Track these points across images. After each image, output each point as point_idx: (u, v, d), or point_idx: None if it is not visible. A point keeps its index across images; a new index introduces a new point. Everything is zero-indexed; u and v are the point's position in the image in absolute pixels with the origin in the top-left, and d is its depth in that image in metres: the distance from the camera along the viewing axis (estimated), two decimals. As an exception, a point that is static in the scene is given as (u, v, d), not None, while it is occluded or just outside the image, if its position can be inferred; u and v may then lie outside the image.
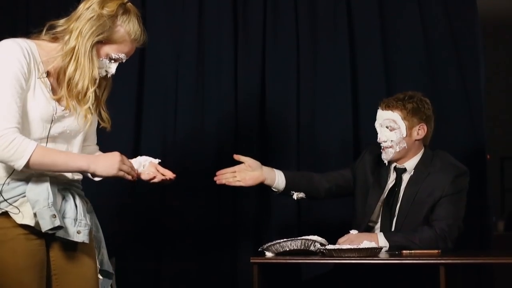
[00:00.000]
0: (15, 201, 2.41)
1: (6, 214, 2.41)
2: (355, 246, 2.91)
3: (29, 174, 2.43)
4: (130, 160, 2.59)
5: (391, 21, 3.98)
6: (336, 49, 3.98)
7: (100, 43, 2.46)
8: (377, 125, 3.32)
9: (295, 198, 3.41)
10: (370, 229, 3.34)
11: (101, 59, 2.49)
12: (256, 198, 3.94)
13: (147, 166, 2.71)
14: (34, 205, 2.39)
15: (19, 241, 2.40)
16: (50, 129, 2.45)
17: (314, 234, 3.09)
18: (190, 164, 3.96)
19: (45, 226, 2.38)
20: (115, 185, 3.81)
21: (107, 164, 2.44)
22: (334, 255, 2.91)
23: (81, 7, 2.47)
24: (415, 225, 3.21)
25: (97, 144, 2.74)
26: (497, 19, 7.06)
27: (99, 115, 2.60)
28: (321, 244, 3.03)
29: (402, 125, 3.26)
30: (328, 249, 2.93)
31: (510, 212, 7.43)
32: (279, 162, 3.92)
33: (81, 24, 2.44)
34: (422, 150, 3.34)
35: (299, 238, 3.05)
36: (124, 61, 2.54)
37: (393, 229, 3.27)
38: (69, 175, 2.53)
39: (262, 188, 3.90)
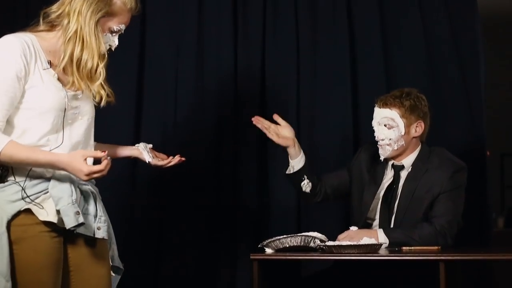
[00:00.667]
0: (37, 198, 2.42)
1: (27, 211, 2.41)
2: (355, 243, 2.92)
3: (51, 170, 2.44)
4: (134, 147, 2.78)
5: (392, 20, 3.98)
6: (336, 47, 3.98)
7: (102, 18, 2.48)
8: (374, 123, 3.32)
9: (304, 186, 3.41)
10: (369, 226, 3.35)
11: (105, 34, 2.51)
12: (256, 195, 3.94)
13: (150, 153, 2.83)
14: (57, 202, 2.40)
15: (39, 238, 2.41)
16: (64, 117, 2.46)
17: (314, 231, 3.10)
18: (190, 163, 3.94)
19: (70, 223, 2.38)
20: (114, 185, 3.83)
21: (73, 170, 2.40)
22: (334, 252, 2.91)
23: None
24: (414, 221, 3.21)
25: (99, 142, 2.78)
26: (497, 17, 7.06)
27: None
28: (321, 241, 3.03)
29: (400, 123, 3.26)
30: (328, 246, 2.94)
31: (510, 208, 7.44)
32: (279, 161, 3.92)
33: (78, 5, 2.44)
34: (419, 147, 3.34)
35: (299, 234, 3.05)
36: (123, 31, 2.57)
37: (392, 226, 3.27)
38: None
39: (262, 184, 3.92)
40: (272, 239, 3.05)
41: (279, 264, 3.18)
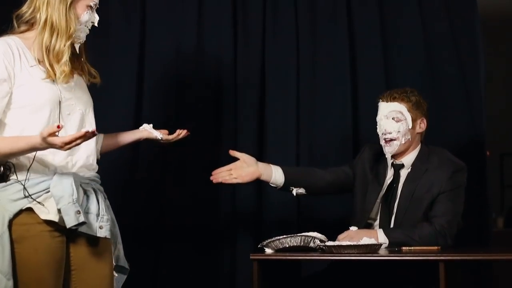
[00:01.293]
0: (39, 197, 2.43)
1: (29, 210, 2.43)
2: (354, 243, 2.92)
3: (52, 169, 2.46)
4: (140, 129, 2.90)
5: (391, 20, 3.98)
6: (336, 47, 3.98)
7: (74, 0, 2.52)
8: (380, 117, 3.31)
9: (295, 194, 3.40)
10: (369, 226, 3.35)
11: (86, 12, 2.55)
12: (255, 195, 3.94)
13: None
14: (58, 201, 2.42)
15: (41, 238, 2.43)
16: (60, 110, 2.48)
17: (313, 231, 3.10)
18: (190, 163, 3.97)
19: (70, 222, 2.40)
20: (113, 184, 3.82)
21: (51, 146, 2.39)
22: (334, 252, 2.91)
23: None
24: (414, 221, 3.22)
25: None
26: (497, 17, 7.05)
27: (89, 73, 2.66)
28: (321, 241, 3.03)
29: (408, 116, 3.28)
30: (327, 246, 2.94)
31: (509, 208, 7.43)
32: (279, 160, 3.92)
33: None
34: (419, 146, 3.35)
35: (298, 234, 3.05)
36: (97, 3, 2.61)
37: (392, 225, 3.27)
38: (89, 171, 2.57)
39: (262, 185, 3.91)
40: (272, 239, 3.05)
41: (279, 264, 3.18)
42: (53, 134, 2.31)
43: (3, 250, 2.37)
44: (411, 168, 3.32)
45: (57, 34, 2.49)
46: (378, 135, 3.35)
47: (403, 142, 3.28)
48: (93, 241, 2.54)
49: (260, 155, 3.97)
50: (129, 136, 2.90)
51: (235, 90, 4.01)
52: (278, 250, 3.04)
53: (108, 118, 2.97)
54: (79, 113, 2.57)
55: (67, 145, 2.34)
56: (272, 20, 4.03)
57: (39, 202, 2.42)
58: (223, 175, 3.32)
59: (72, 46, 2.55)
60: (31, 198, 2.42)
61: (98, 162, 2.70)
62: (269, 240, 3.06)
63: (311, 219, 3.87)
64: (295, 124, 3.97)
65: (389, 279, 3.17)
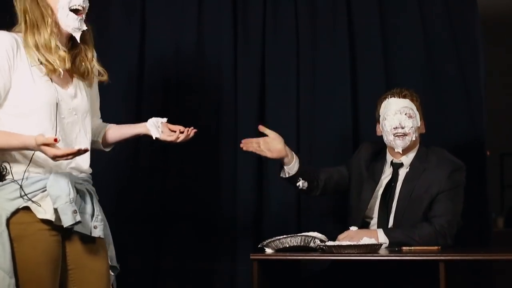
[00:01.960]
0: (35, 196, 2.44)
1: (26, 209, 2.44)
2: (354, 243, 2.92)
3: (48, 168, 2.46)
4: (142, 124, 2.77)
5: (391, 19, 3.98)
6: (336, 47, 3.98)
7: None
8: (393, 113, 3.29)
9: (300, 186, 3.40)
10: (367, 225, 3.35)
11: (67, 15, 2.51)
12: (256, 195, 3.94)
13: (161, 128, 2.78)
14: (55, 201, 2.43)
15: (39, 236, 2.44)
16: (58, 112, 2.48)
17: (313, 231, 3.10)
18: (190, 163, 3.96)
19: (67, 221, 2.41)
20: (113, 184, 3.83)
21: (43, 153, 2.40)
22: (334, 252, 2.91)
23: None
24: (413, 221, 3.22)
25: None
26: (497, 16, 7.05)
27: (98, 72, 2.66)
28: (321, 241, 3.03)
29: (417, 114, 3.32)
30: (328, 246, 2.94)
31: (509, 208, 7.43)
32: (279, 160, 3.92)
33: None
34: (418, 146, 3.36)
35: (299, 234, 3.06)
36: (83, 10, 2.55)
37: (390, 225, 3.27)
38: (82, 172, 2.57)
39: (262, 185, 3.92)
40: (272, 239, 3.05)
41: (279, 264, 3.18)
42: (47, 145, 2.32)
43: (4, 248, 2.38)
44: (409, 168, 3.32)
45: (37, 29, 2.49)
46: (377, 132, 3.36)
47: (413, 138, 3.29)
48: (89, 240, 2.55)
49: (260, 155, 3.97)
50: (130, 130, 2.85)
51: (235, 89, 4.01)
52: (278, 250, 3.04)
53: (108, 117, 2.95)
54: (74, 119, 2.57)
55: (58, 158, 2.35)
56: (272, 19, 4.03)
57: (34, 202, 2.43)
58: (254, 143, 3.33)
59: (72, 37, 2.54)
60: (27, 197, 2.42)
61: (95, 160, 2.70)
62: (269, 240, 3.06)
63: (311, 219, 3.87)
64: (295, 123, 3.96)
65: (389, 279, 3.17)
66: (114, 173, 3.85)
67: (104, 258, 2.61)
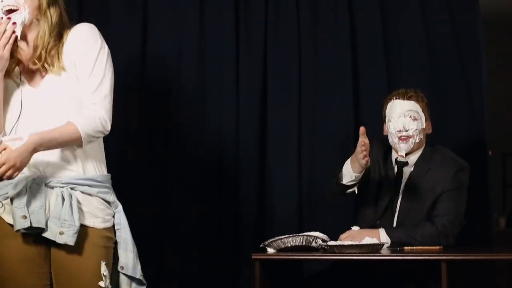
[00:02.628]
0: (5, 199, 2.46)
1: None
2: (356, 243, 2.92)
3: (24, 170, 2.43)
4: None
5: (393, 19, 3.98)
6: (337, 47, 3.98)
7: None
8: (397, 115, 3.27)
9: (355, 191, 3.31)
10: (373, 225, 3.34)
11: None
12: (257, 194, 3.94)
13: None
14: (12, 204, 2.42)
15: (11, 237, 2.44)
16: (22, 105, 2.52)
17: (315, 231, 3.09)
18: (191, 163, 3.96)
19: (16, 226, 2.40)
20: (113, 184, 3.82)
21: None
22: (336, 251, 2.91)
23: None
24: (417, 221, 3.21)
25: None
26: (499, 15, 7.05)
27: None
28: (323, 240, 3.03)
29: (422, 116, 3.30)
30: (329, 245, 2.93)
31: (511, 208, 7.43)
32: (280, 160, 3.93)
33: None
34: (423, 146, 3.35)
35: (300, 234, 3.05)
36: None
37: (394, 225, 3.27)
38: (76, 173, 2.53)
39: (264, 185, 3.92)
40: (274, 239, 3.05)
41: (281, 264, 3.18)
42: None
43: None
44: (414, 167, 3.32)
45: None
46: (384, 131, 3.35)
47: (417, 140, 3.28)
48: (73, 246, 2.44)
49: (261, 155, 3.97)
50: None
51: (237, 89, 4.01)
52: (280, 250, 3.04)
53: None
54: (42, 112, 2.51)
55: None
56: (274, 19, 4.03)
57: (4, 205, 2.45)
58: (367, 145, 3.07)
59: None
60: None
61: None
62: (271, 240, 3.06)
63: (313, 219, 3.87)
64: (297, 123, 3.96)
65: (391, 279, 3.17)
66: (114, 173, 3.85)
67: (90, 264, 2.48)
